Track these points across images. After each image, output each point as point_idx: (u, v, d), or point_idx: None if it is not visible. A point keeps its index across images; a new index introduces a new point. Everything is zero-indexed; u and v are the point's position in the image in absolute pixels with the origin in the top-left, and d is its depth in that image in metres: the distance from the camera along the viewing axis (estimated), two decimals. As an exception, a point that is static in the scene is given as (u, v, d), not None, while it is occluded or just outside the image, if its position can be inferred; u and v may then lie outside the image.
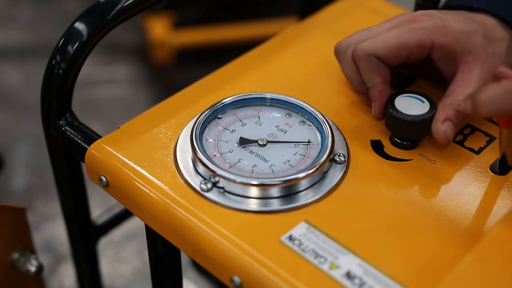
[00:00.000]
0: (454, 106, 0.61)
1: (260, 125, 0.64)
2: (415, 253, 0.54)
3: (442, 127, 0.61)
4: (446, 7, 0.69)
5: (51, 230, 1.52)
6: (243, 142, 0.62)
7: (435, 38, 0.62)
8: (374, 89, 0.63)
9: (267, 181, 0.57)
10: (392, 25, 0.64)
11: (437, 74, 0.68)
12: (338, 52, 0.66)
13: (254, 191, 0.57)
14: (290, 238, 0.55)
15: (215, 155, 0.60)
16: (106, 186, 0.63)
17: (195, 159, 0.59)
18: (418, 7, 0.73)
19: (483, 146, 0.64)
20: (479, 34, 0.63)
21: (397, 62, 0.63)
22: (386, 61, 0.62)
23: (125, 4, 0.67)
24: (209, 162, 0.58)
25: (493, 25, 0.64)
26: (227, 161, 0.60)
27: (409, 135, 0.62)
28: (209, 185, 0.58)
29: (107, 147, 0.63)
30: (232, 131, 0.63)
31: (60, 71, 0.65)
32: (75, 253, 0.83)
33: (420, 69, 0.70)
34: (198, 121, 0.62)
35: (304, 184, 0.58)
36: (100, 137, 0.65)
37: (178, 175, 0.60)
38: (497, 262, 0.53)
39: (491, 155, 0.63)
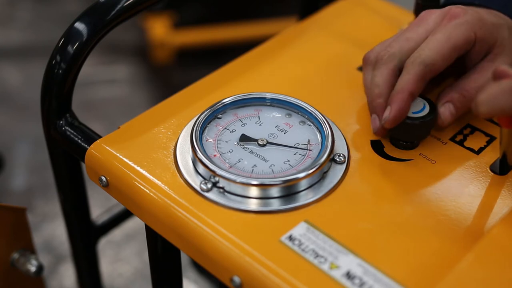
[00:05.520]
0: (464, 91, 0.61)
1: (260, 125, 0.64)
2: (415, 253, 0.54)
3: (440, 109, 0.61)
4: (448, 4, 0.68)
5: (51, 230, 1.52)
6: (244, 139, 0.62)
7: (477, 31, 0.61)
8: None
9: (267, 181, 0.57)
10: (426, 29, 0.62)
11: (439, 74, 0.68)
12: (380, 60, 0.62)
13: (254, 191, 0.57)
14: (290, 238, 0.55)
15: (215, 155, 0.60)
16: (106, 186, 0.63)
17: (195, 159, 0.59)
18: (418, 7, 0.73)
19: (483, 146, 0.64)
20: (505, 27, 0.62)
21: (445, 67, 0.61)
22: (438, 69, 0.60)
23: (125, 4, 0.67)
24: (209, 162, 0.58)
25: (509, 19, 0.64)
26: (227, 161, 0.60)
27: (409, 137, 0.62)
28: (209, 185, 0.58)
29: (107, 147, 0.63)
30: (232, 131, 0.63)
31: (60, 71, 0.65)
32: (75, 253, 0.82)
33: None
34: (198, 121, 0.62)
35: (304, 184, 0.58)
36: (100, 137, 0.65)
37: (178, 175, 0.60)
38: (497, 262, 0.53)
39: (491, 155, 0.63)
